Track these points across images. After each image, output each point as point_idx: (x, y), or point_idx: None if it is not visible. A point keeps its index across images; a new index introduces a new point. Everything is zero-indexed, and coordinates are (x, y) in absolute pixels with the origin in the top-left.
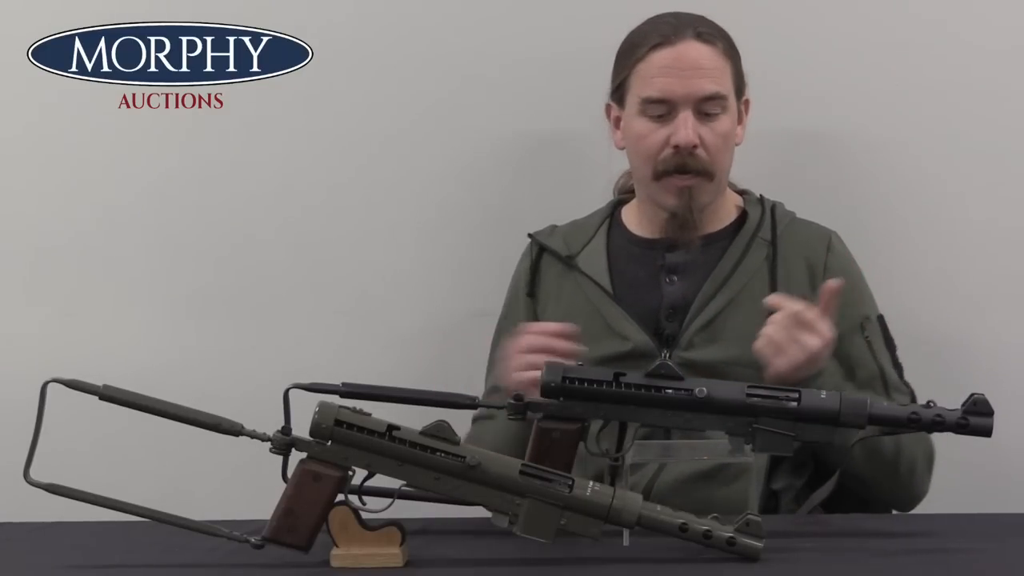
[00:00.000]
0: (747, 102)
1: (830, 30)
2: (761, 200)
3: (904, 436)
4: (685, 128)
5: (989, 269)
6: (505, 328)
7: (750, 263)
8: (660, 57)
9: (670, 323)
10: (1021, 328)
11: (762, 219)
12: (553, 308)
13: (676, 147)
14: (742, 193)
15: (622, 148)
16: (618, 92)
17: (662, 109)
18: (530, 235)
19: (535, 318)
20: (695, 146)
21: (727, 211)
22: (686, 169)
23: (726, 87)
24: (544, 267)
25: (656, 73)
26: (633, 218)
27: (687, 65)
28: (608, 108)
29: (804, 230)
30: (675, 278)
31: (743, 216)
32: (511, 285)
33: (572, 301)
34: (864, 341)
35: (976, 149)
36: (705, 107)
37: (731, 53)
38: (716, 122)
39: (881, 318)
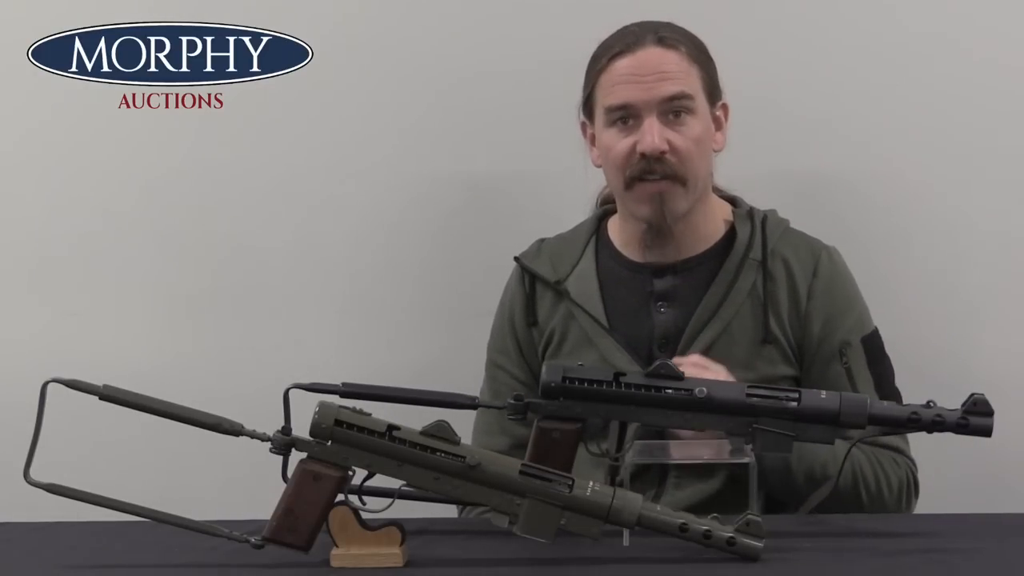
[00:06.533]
0: (725, 107)
1: (830, 36)
2: (751, 214)
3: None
4: (650, 134)
5: (989, 270)
6: (501, 356)
7: (741, 288)
8: (621, 65)
9: (663, 353)
10: (1020, 330)
11: (752, 236)
12: (549, 336)
13: (643, 154)
14: (731, 201)
15: (599, 166)
16: (588, 106)
17: (627, 117)
18: (516, 259)
19: (534, 348)
20: (663, 152)
21: (714, 226)
22: (654, 172)
23: (692, 87)
24: (539, 295)
25: (617, 81)
26: (618, 234)
27: (648, 71)
28: (583, 126)
29: (795, 246)
30: (665, 306)
31: (732, 232)
32: (503, 312)
33: (566, 330)
34: (843, 369)
35: (976, 152)
36: (671, 107)
37: (698, 57)
38: (685, 125)
39: (870, 337)
